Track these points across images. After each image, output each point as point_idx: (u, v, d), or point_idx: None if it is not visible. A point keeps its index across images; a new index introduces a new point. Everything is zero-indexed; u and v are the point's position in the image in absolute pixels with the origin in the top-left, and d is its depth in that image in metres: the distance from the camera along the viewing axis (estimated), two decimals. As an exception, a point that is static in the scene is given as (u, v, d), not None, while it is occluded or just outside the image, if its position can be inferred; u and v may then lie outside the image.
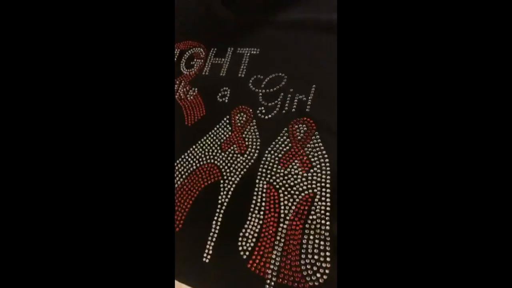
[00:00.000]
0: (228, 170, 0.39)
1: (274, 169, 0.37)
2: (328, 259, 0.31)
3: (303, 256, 0.31)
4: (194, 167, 0.41)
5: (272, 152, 0.39)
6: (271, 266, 0.32)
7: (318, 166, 0.36)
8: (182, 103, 0.47)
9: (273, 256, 0.32)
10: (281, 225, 0.34)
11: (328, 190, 0.34)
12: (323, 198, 0.34)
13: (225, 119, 0.43)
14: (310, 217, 0.33)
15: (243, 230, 0.34)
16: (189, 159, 0.42)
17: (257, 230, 0.34)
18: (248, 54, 0.48)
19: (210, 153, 0.41)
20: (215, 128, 0.43)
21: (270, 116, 0.42)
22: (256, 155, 0.39)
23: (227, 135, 0.42)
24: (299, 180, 0.36)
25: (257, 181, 0.37)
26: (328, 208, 0.33)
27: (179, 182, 0.40)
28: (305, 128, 0.39)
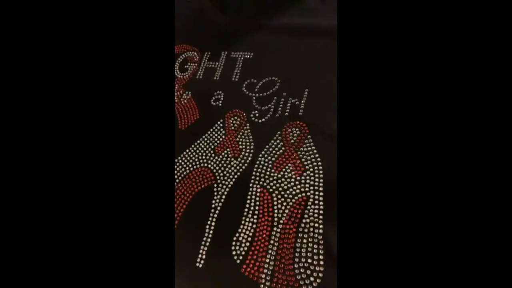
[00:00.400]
0: (221, 174, 0.39)
1: (268, 173, 0.37)
2: (321, 262, 0.31)
3: (296, 260, 0.31)
4: (188, 171, 0.40)
5: (266, 155, 0.39)
6: (265, 271, 0.31)
7: (311, 169, 0.36)
8: (175, 107, 0.47)
9: (267, 260, 0.32)
10: (275, 228, 0.34)
11: (321, 194, 0.34)
12: (316, 202, 0.34)
13: (218, 122, 0.43)
14: (304, 220, 0.33)
15: (237, 235, 0.34)
16: (183, 163, 0.41)
17: (250, 234, 0.34)
18: (242, 58, 0.49)
19: (204, 157, 0.41)
20: (209, 132, 0.43)
21: (263, 120, 0.42)
22: (249, 159, 0.39)
23: (221, 139, 0.42)
24: (292, 184, 0.36)
25: (250, 184, 0.37)
26: (321, 212, 0.33)
27: (172, 186, 0.40)
28: (298, 132, 0.40)
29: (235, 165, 0.39)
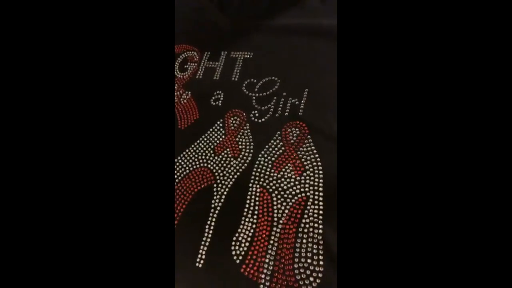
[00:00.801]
0: (221, 174, 0.39)
1: (268, 173, 0.37)
2: (321, 262, 0.31)
3: (296, 260, 0.31)
4: (187, 171, 0.40)
5: (266, 155, 0.39)
6: (265, 271, 0.31)
7: (311, 169, 0.36)
8: (175, 107, 0.47)
9: (267, 260, 0.32)
10: (274, 229, 0.34)
11: (320, 194, 0.34)
12: (315, 202, 0.34)
13: (218, 122, 0.43)
14: (303, 220, 0.33)
15: (236, 234, 0.34)
16: (182, 163, 0.41)
17: (250, 234, 0.34)
18: (242, 58, 0.49)
19: (203, 157, 0.41)
20: (209, 132, 0.43)
21: (263, 119, 0.42)
22: (249, 158, 0.39)
23: (221, 139, 0.42)
24: (292, 184, 0.36)
25: (250, 184, 0.37)
26: (321, 212, 0.33)
27: (172, 186, 0.40)
28: (298, 132, 0.40)
29: (234, 165, 0.39)
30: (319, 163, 0.36)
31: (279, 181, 0.37)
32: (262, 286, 0.31)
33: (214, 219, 0.36)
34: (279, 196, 0.36)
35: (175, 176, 0.40)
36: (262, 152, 0.39)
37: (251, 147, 0.40)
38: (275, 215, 0.35)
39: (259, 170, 0.38)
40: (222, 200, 0.37)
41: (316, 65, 0.44)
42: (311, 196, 0.35)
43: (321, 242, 0.32)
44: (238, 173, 0.38)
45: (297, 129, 0.40)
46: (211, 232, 0.35)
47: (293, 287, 0.30)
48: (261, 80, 0.45)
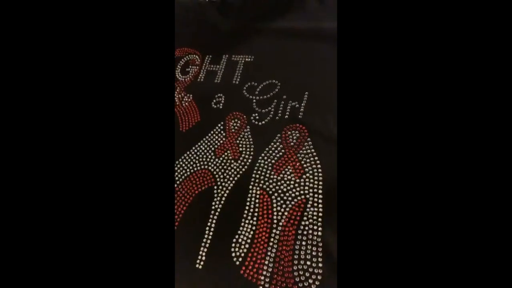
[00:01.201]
0: (222, 176, 0.39)
1: (267, 175, 0.38)
2: (320, 264, 0.31)
3: (295, 262, 0.31)
4: (188, 173, 0.41)
5: (266, 158, 0.39)
6: (264, 272, 0.32)
7: (311, 172, 0.37)
8: (176, 109, 0.47)
9: (266, 262, 0.32)
10: (274, 231, 0.34)
11: (320, 196, 0.35)
12: (315, 204, 0.34)
13: (219, 125, 0.44)
14: (303, 222, 0.34)
15: (236, 236, 0.34)
16: (183, 165, 0.42)
17: (250, 236, 0.34)
18: (243, 61, 0.49)
19: (204, 159, 0.41)
20: (209, 134, 0.43)
21: (263, 122, 0.42)
22: (249, 161, 0.40)
23: (221, 141, 0.42)
24: (291, 186, 0.36)
25: (250, 187, 0.37)
26: (320, 214, 0.34)
27: (173, 188, 0.40)
28: (298, 135, 0.40)
29: (235, 167, 0.40)
30: (319, 166, 0.37)
31: (279, 183, 0.37)
32: (261, 287, 0.31)
33: (214, 221, 0.36)
34: (278, 198, 0.36)
35: (176, 178, 0.41)
36: (262, 155, 0.39)
37: (252, 149, 0.40)
38: (274, 217, 0.35)
39: (259, 172, 0.38)
40: (222, 202, 0.37)
41: (316, 68, 0.44)
42: (311, 199, 0.35)
43: (320, 244, 0.32)
44: (238, 175, 0.39)
45: (297, 132, 0.40)
46: (211, 233, 0.35)
47: (292, 289, 0.30)
48: (261, 83, 0.46)
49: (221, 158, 0.41)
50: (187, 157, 0.42)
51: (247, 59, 0.49)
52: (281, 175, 0.37)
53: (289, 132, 0.40)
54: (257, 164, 0.39)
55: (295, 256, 0.32)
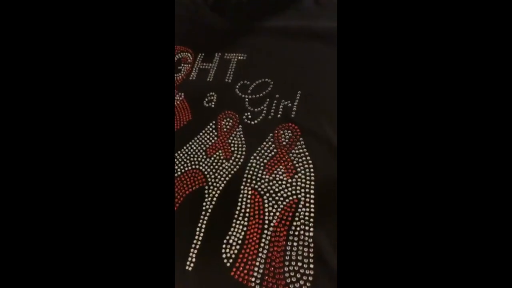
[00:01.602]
0: (213, 176, 0.39)
1: (259, 175, 0.37)
2: (311, 266, 0.30)
3: (286, 263, 0.31)
4: (179, 173, 0.40)
5: (258, 157, 0.39)
6: (255, 274, 0.31)
7: (303, 172, 0.36)
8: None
9: (257, 264, 0.32)
10: (265, 231, 0.33)
11: (312, 196, 0.34)
12: (307, 204, 0.34)
13: (211, 124, 0.43)
14: (294, 223, 0.33)
15: (227, 237, 0.34)
16: (174, 164, 0.41)
17: (241, 237, 0.34)
18: (235, 59, 0.48)
19: (195, 159, 0.41)
20: (201, 134, 0.43)
21: (256, 121, 0.42)
22: (241, 161, 0.39)
23: (213, 141, 0.42)
24: (283, 186, 0.36)
25: (242, 187, 0.37)
26: (312, 214, 0.33)
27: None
28: (290, 134, 0.39)
29: (226, 167, 0.39)
30: (311, 166, 0.36)
31: (270, 183, 0.36)
32: (252, 289, 0.31)
33: (205, 222, 0.35)
34: (270, 199, 0.35)
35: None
36: (254, 154, 0.39)
37: (244, 149, 0.40)
38: (266, 217, 0.34)
39: (251, 172, 0.38)
40: (213, 203, 0.37)
41: (309, 68, 0.44)
42: (303, 199, 0.34)
43: (311, 245, 0.31)
44: (230, 175, 0.38)
45: (289, 131, 0.40)
46: (201, 234, 0.35)
47: (283, 291, 0.30)
48: (254, 82, 0.45)
49: (212, 158, 0.40)
50: (177, 157, 0.42)
51: (240, 58, 0.48)
52: (273, 175, 0.37)
53: (281, 132, 0.40)
54: (249, 164, 0.38)
55: (286, 257, 0.31)
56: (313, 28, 0.47)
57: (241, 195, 0.36)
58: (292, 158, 0.37)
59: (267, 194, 0.36)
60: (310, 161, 0.37)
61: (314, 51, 0.45)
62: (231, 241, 0.34)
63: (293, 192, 0.35)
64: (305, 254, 0.31)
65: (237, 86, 0.46)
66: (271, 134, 0.40)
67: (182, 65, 0.51)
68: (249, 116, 0.42)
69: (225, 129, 0.42)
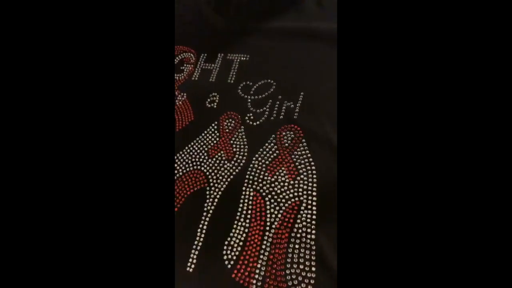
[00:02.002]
0: (215, 177, 0.39)
1: (261, 177, 0.37)
2: (313, 268, 0.30)
3: (288, 265, 0.31)
4: (181, 173, 0.40)
5: (260, 159, 0.39)
6: (256, 276, 0.31)
7: (305, 173, 0.36)
8: (170, 108, 0.47)
9: (258, 266, 0.31)
10: (267, 233, 0.33)
11: (314, 198, 0.34)
12: (309, 206, 0.34)
13: (213, 125, 0.43)
14: (296, 225, 0.33)
15: (228, 239, 0.34)
16: (176, 165, 0.41)
17: (242, 239, 0.33)
18: (238, 60, 0.48)
19: (197, 159, 0.41)
20: (203, 134, 0.43)
21: (258, 122, 0.42)
22: (243, 161, 0.39)
23: (215, 141, 0.42)
24: (285, 188, 0.36)
25: (243, 188, 0.37)
26: (314, 217, 0.33)
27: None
28: (293, 135, 0.39)
29: (228, 168, 0.39)
30: (313, 167, 0.36)
31: (272, 185, 0.36)
32: (253, 292, 0.30)
33: (206, 223, 0.35)
34: (272, 200, 0.35)
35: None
36: (256, 156, 0.39)
37: (245, 150, 0.40)
38: (268, 219, 0.34)
39: (252, 173, 0.38)
40: (214, 204, 0.36)
41: (312, 69, 0.44)
42: (305, 201, 0.34)
43: (313, 247, 0.31)
44: (231, 176, 0.38)
45: (291, 133, 0.39)
46: (202, 236, 0.35)
47: (285, 294, 0.30)
48: (257, 83, 0.45)
49: (214, 159, 0.40)
50: (179, 157, 0.41)
51: (242, 58, 0.48)
52: (275, 177, 0.37)
53: (283, 133, 0.40)
54: (251, 165, 0.38)
55: (287, 260, 0.31)
56: (315, 30, 0.47)
57: (242, 197, 0.36)
58: (295, 159, 0.37)
59: (269, 196, 0.35)
60: (312, 163, 0.36)
61: (316, 52, 0.45)
62: (232, 242, 0.33)
63: (295, 194, 0.35)
64: (307, 256, 0.31)
65: (240, 87, 0.45)
66: (273, 135, 0.40)
67: (185, 65, 0.51)
68: (252, 117, 0.42)
69: (227, 130, 0.42)
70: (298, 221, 0.33)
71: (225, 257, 0.33)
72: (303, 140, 0.38)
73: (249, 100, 0.44)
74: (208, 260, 0.33)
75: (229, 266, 0.32)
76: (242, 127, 0.42)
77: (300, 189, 0.35)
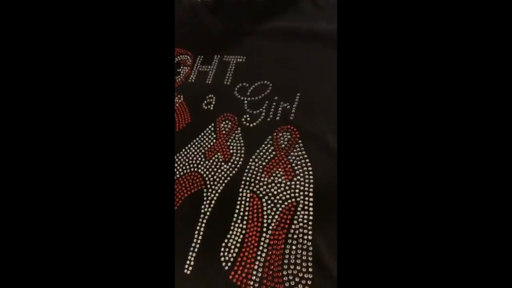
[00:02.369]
0: (212, 179, 0.39)
1: (258, 178, 0.37)
2: (310, 269, 0.30)
3: (285, 266, 0.31)
4: (178, 176, 0.40)
5: (256, 160, 0.39)
6: (253, 277, 0.31)
7: (301, 174, 0.36)
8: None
9: (255, 267, 0.31)
10: (264, 234, 0.33)
11: (311, 199, 0.34)
12: (305, 207, 0.34)
13: (210, 126, 0.43)
14: (293, 226, 0.33)
15: (226, 240, 0.34)
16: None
17: (239, 240, 0.33)
18: (234, 62, 0.48)
19: (194, 161, 0.41)
20: (200, 136, 0.43)
21: (255, 124, 0.42)
22: (240, 163, 0.39)
23: (212, 143, 0.42)
24: (282, 189, 0.36)
25: (240, 189, 0.37)
26: (310, 218, 0.33)
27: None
28: (289, 136, 0.39)
29: (225, 169, 0.39)
30: (310, 168, 0.36)
31: (269, 186, 0.36)
32: (250, 293, 0.30)
33: (203, 225, 0.35)
34: (269, 202, 0.35)
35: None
36: (253, 157, 0.39)
37: (242, 151, 0.40)
38: (265, 221, 0.34)
39: (249, 175, 0.38)
40: (212, 205, 0.36)
41: (308, 70, 0.44)
42: (301, 202, 0.34)
43: (310, 248, 0.31)
44: (228, 178, 0.38)
45: (288, 134, 0.40)
46: (200, 238, 0.35)
47: (282, 295, 0.30)
48: (253, 84, 0.45)
49: (211, 160, 0.40)
50: (176, 159, 0.41)
51: (239, 60, 0.48)
52: (272, 178, 0.37)
53: (280, 134, 0.40)
54: (248, 167, 0.38)
55: (285, 261, 0.31)
56: (311, 30, 0.47)
57: (239, 198, 0.36)
58: (291, 160, 0.37)
59: (266, 197, 0.36)
60: (309, 164, 0.36)
61: (313, 53, 0.45)
62: (229, 244, 0.33)
63: (292, 195, 0.35)
64: (304, 257, 0.31)
65: (236, 88, 0.45)
66: (270, 137, 0.40)
67: (182, 67, 0.51)
68: (248, 118, 0.42)
69: (224, 132, 0.42)
70: (295, 222, 0.33)
71: (222, 259, 0.33)
72: (300, 141, 0.38)
73: (246, 102, 0.44)
74: (205, 262, 0.33)
75: (227, 267, 0.32)
76: (239, 128, 0.42)
77: (297, 190, 0.35)
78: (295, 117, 0.40)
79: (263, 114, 0.42)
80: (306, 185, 0.35)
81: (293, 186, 0.35)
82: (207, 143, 0.42)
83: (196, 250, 0.34)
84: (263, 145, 0.39)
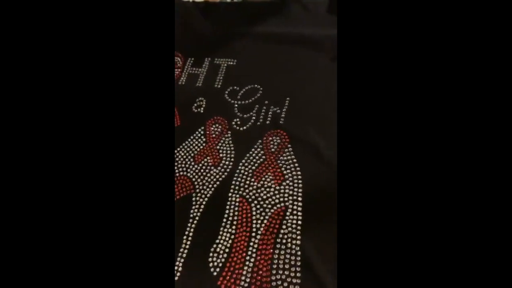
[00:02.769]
0: (201, 183, 0.38)
1: (248, 182, 0.37)
2: (298, 274, 0.30)
3: (273, 272, 0.31)
4: (166, 180, 0.40)
5: (246, 164, 0.38)
6: (242, 283, 0.31)
7: (290, 179, 0.36)
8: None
9: (244, 272, 0.31)
10: (253, 239, 0.33)
11: (299, 204, 0.34)
12: (294, 212, 0.34)
13: (199, 130, 0.43)
14: (282, 231, 0.33)
15: (214, 246, 0.33)
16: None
17: (228, 245, 0.33)
18: (225, 65, 0.48)
19: (183, 165, 0.40)
20: (189, 140, 0.42)
21: (245, 127, 0.42)
22: (230, 167, 0.39)
23: (201, 147, 0.41)
24: (271, 193, 0.36)
25: (230, 194, 0.37)
26: (299, 222, 0.33)
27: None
28: (279, 141, 0.39)
29: (214, 173, 0.39)
30: (299, 173, 0.36)
31: (258, 190, 0.36)
32: (238, 299, 0.30)
33: (192, 230, 0.35)
34: (258, 206, 0.35)
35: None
36: (243, 161, 0.39)
37: (232, 155, 0.40)
38: (253, 225, 0.34)
39: (239, 179, 0.37)
40: (201, 210, 0.36)
41: (298, 74, 0.44)
42: (290, 206, 0.34)
43: (298, 253, 0.31)
44: (218, 182, 0.38)
45: (277, 138, 0.40)
46: (188, 243, 0.34)
47: (270, 300, 0.30)
48: (243, 88, 0.45)
49: (200, 164, 0.40)
50: (165, 163, 0.41)
51: (230, 63, 0.48)
52: (261, 182, 0.37)
53: (270, 138, 0.40)
54: (237, 171, 0.38)
55: (273, 266, 0.31)
56: (302, 34, 0.47)
57: (228, 203, 0.36)
58: (280, 165, 0.37)
59: (255, 202, 0.35)
60: (298, 168, 0.37)
61: (303, 57, 0.45)
62: (218, 249, 0.33)
63: (281, 199, 0.35)
64: (292, 262, 0.31)
65: (227, 92, 0.45)
66: (259, 141, 0.40)
67: (172, 69, 0.50)
68: (238, 122, 0.42)
69: (213, 135, 0.42)
70: (284, 227, 0.33)
71: (210, 264, 0.32)
72: (289, 146, 0.39)
73: (236, 105, 0.44)
74: (194, 267, 0.33)
75: (215, 273, 0.32)
76: (229, 132, 0.42)
77: (286, 195, 0.35)
78: (285, 121, 0.41)
79: (253, 118, 0.42)
80: (295, 190, 0.35)
81: (282, 191, 0.35)
82: (196, 147, 0.41)
83: (184, 255, 0.34)
84: (253, 149, 0.39)
